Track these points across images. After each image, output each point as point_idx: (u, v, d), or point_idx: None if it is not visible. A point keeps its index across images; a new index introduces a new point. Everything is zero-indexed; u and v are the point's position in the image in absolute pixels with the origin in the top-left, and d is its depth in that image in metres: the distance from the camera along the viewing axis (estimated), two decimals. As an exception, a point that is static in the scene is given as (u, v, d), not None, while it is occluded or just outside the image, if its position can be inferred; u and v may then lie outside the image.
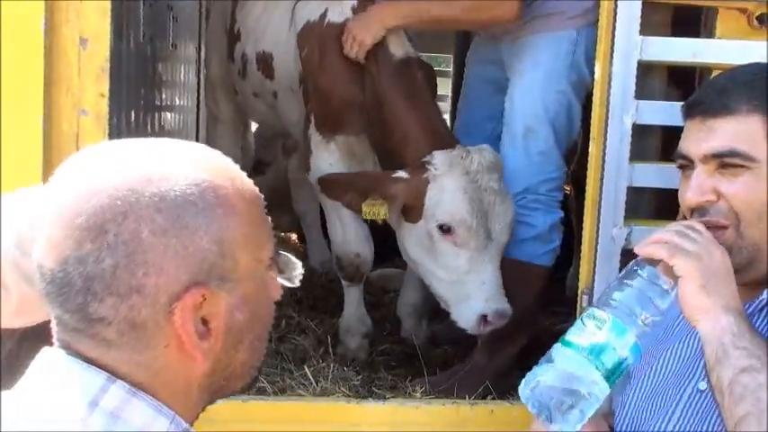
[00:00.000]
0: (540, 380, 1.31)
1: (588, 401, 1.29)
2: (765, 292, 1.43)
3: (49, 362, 0.96)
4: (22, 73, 2.00)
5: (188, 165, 0.96)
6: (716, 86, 1.53)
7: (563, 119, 2.74)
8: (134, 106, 3.03)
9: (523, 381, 1.32)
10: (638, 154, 2.23)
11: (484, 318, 2.49)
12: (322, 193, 2.76)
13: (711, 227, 1.42)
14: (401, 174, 2.59)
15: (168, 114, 3.81)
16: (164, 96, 3.66)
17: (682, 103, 2.12)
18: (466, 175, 2.54)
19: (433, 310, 3.38)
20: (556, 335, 3.20)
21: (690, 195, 1.45)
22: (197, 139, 4.38)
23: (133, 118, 3.06)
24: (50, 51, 2.02)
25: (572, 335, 1.35)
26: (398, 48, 2.79)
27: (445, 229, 2.53)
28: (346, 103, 2.84)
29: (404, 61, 2.76)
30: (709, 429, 1.40)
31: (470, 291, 2.51)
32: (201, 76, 4.13)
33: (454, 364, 2.95)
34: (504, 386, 2.70)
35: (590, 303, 2.13)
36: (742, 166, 1.41)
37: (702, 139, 1.44)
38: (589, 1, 2.59)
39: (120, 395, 0.92)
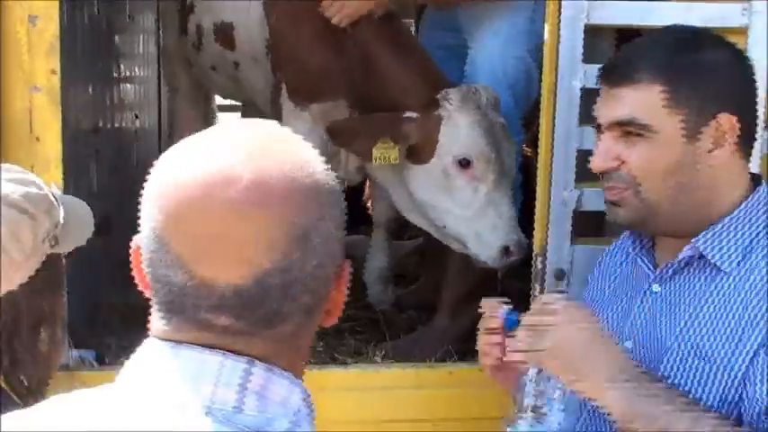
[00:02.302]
0: None
1: None
2: (682, 252, 1.48)
3: (172, 354, 0.90)
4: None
5: (309, 149, 0.96)
6: (624, 54, 1.58)
7: (522, 84, 2.77)
8: (90, 79, 3.02)
9: None
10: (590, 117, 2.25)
11: (506, 249, 2.51)
12: (329, 141, 2.69)
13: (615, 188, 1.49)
14: (410, 114, 2.59)
15: (128, 86, 3.79)
16: (122, 68, 3.64)
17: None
18: (478, 109, 2.55)
19: (398, 275, 3.43)
20: (516, 296, 3.25)
21: (596, 161, 1.51)
22: (159, 110, 4.36)
23: (91, 91, 3.05)
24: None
25: None
26: None
27: (464, 164, 2.53)
28: (323, 70, 2.81)
29: (385, 17, 2.75)
30: None
31: (490, 224, 2.52)
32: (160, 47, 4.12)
33: (418, 328, 3.00)
34: (465, 347, 2.76)
35: (543, 266, 2.19)
36: (640, 135, 1.46)
37: (609, 106, 1.50)
38: None
39: (262, 375, 0.90)
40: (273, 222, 0.88)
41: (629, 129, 1.46)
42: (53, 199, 1.50)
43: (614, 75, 1.50)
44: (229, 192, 0.87)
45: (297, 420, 0.90)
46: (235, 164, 0.89)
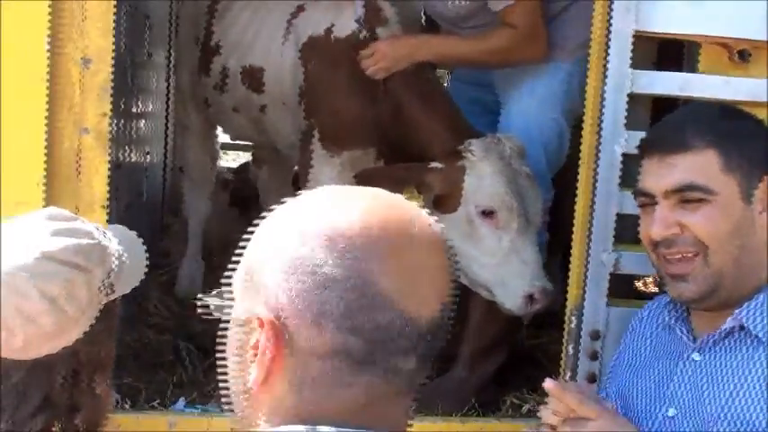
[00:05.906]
0: None
1: None
2: (728, 320, 1.51)
3: None
4: (24, 92, 2.00)
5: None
6: (671, 124, 1.63)
7: (555, 144, 2.84)
8: (114, 114, 3.01)
9: None
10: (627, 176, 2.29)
11: (530, 297, 2.53)
12: None
13: (681, 257, 1.51)
14: (435, 164, 2.64)
15: (142, 122, 3.78)
16: (139, 104, 3.63)
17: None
18: (501, 159, 2.61)
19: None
20: (531, 350, 3.26)
21: (656, 230, 1.53)
22: (166, 146, 4.36)
23: (115, 126, 3.04)
24: (53, 71, 2.02)
25: None
26: None
27: (487, 213, 2.58)
28: (359, 118, 2.87)
29: (415, 66, 2.82)
30: None
31: (514, 271, 2.55)
32: (171, 83, 4.10)
33: (432, 378, 2.99)
34: (480, 400, 2.76)
35: (578, 325, 2.21)
36: (702, 200, 1.50)
37: (663, 175, 1.53)
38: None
39: None
40: (436, 260, 0.92)
41: (689, 194, 1.51)
42: (106, 243, 1.47)
43: (666, 143, 1.55)
44: (421, 228, 0.92)
45: None
46: (400, 208, 0.94)
